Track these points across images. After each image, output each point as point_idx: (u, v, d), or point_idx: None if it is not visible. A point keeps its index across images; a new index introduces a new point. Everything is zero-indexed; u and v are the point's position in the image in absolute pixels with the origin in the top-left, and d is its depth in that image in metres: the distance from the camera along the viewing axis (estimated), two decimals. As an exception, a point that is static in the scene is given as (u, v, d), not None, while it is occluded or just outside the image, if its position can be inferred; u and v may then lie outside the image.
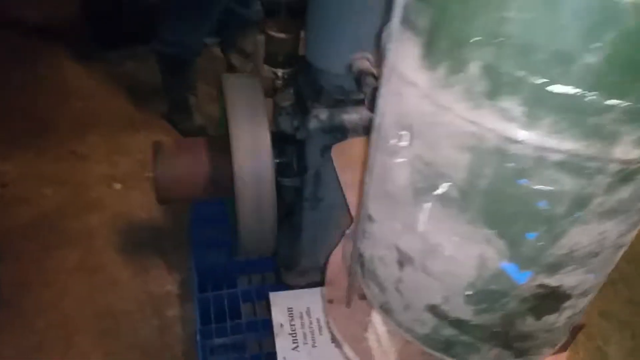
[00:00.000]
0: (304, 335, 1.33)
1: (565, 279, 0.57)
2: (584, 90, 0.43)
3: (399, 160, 0.56)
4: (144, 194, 1.86)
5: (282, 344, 1.30)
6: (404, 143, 0.55)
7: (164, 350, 1.43)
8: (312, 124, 1.24)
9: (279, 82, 1.36)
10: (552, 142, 0.45)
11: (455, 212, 0.54)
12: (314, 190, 1.34)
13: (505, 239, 0.53)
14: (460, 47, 0.45)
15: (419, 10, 0.47)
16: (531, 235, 0.52)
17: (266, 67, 1.34)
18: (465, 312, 0.61)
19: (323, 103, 1.25)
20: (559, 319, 0.63)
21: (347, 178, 1.04)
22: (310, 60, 1.26)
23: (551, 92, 0.43)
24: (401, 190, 0.58)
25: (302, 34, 1.31)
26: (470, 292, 0.59)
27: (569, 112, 0.44)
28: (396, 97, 0.54)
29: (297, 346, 1.31)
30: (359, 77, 1.15)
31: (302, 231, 1.40)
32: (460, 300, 0.60)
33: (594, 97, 0.42)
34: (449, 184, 0.52)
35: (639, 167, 0.47)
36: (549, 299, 0.59)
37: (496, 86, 0.44)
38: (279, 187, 1.27)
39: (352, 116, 1.26)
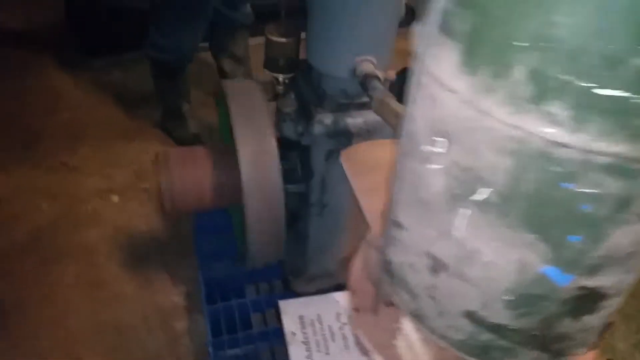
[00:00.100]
0: (317, 342, 1.32)
1: (604, 280, 0.57)
2: (632, 93, 0.42)
3: (433, 166, 0.56)
4: (142, 205, 1.83)
5: (295, 353, 1.29)
6: (439, 149, 0.54)
7: (175, 363, 1.41)
8: (317, 129, 1.23)
9: (280, 88, 1.34)
10: (598, 145, 0.45)
11: (495, 217, 0.53)
12: (319, 196, 1.33)
13: (547, 243, 0.52)
14: (504, 52, 0.44)
15: (459, 16, 0.46)
16: (574, 239, 0.51)
17: (267, 72, 1.32)
18: (504, 317, 0.60)
19: (326, 108, 1.24)
20: (596, 318, 0.63)
21: (360, 184, 1.03)
22: (313, 64, 1.25)
23: (598, 96, 0.43)
24: (435, 196, 0.57)
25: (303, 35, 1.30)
26: (509, 297, 0.58)
27: (616, 115, 0.43)
28: (430, 103, 0.53)
29: (311, 354, 1.29)
30: (364, 81, 1.14)
31: (308, 238, 1.40)
32: (499, 305, 0.59)
33: (640, 99, 0.42)
34: (489, 189, 0.51)
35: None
36: (588, 300, 0.59)
37: (542, 90, 0.44)
38: (283, 194, 1.26)
39: (357, 120, 1.25)
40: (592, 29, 0.40)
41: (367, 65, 1.15)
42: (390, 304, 0.80)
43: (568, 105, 0.43)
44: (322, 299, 1.41)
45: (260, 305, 1.43)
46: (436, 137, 0.53)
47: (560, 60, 0.41)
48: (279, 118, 1.28)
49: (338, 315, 1.38)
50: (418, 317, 0.70)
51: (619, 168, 0.46)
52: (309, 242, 1.40)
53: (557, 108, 0.44)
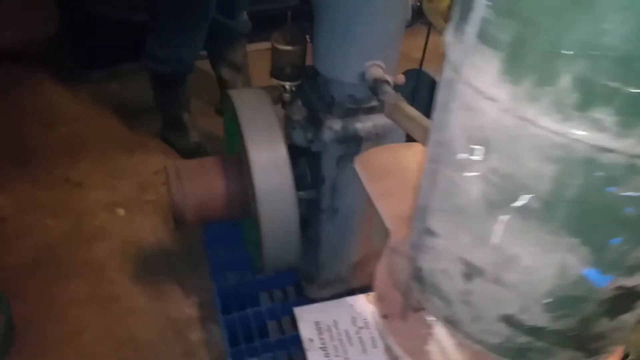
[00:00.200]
0: (335, 348, 1.32)
1: (641, 279, 0.57)
2: (677, 97, 0.43)
3: (471, 174, 0.56)
4: (148, 218, 1.82)
5: (314, 359, 1.29)
6: (476, 157, 0.54)
7: (193, 376, 1.41)
8: (326, 135, 1.23)
9: (287, 95, 1.34)
10: (644, 149, 0.45)
11: (536, 223, 0.53)
12: (331, 202, 1.33)
13: (589, 246, 0.53)
14: (549, 60, 0.44)
15: (499, 25, 0.46)
16: (616, 241, 0.52)
17: (275, 80, 1.32)
18: (542, 320, 0.61)
19: (335, 114, 1.24)
20: (631, 316, 0.63)
21: (376, 189, 1.03)
22: (320, 70, 1.25)
23: (645, 101, 0.43)
24: (472, 203, 0.58)
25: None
26: (548, 300, 0.58)
27: (660, 119, 0.44)
28: (468, 112, 0.53)
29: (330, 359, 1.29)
30: (374, 86, 1.15)
31: (320, 244, 1.39)
32: (537, 308, 0.60)
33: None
34: (530, 195, 0.52)
35: None
36: (625, 299, 0.60)
37: (588, 97, 0.44)
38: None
39: (366, 124, 1.25)
40: (641, 35, 0.41)
41: (376, 70, 1.15)
42: (418, 309, 0.81)
43: (614, 111, 0.44)
44: (337, 304, 1.41)
45: (275, 312, 1.43)
46: (474, 145, 0.54)
47: (609, 67, 0.41)
48: (288, 125, 1.27)
49: (354, 320, 1.38)
50: (452, 323, 0.70)
51: (662, 170, 0.47)
52: (321, 248, 1.40)
53: (603, 114, 0.44)
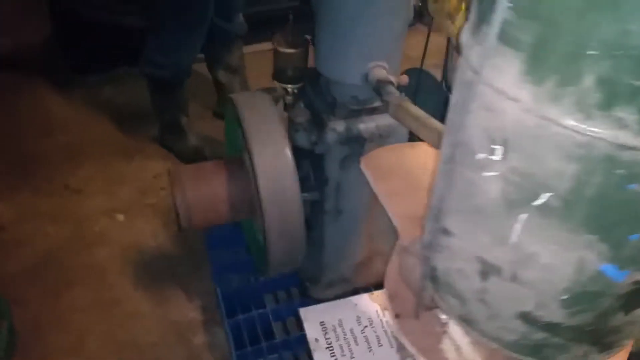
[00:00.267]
0: (341, 347, 1.32)
1: (656, 273, 0.58)
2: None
3: (490, 173, 0.56)
4: (148, 222, 1.82)
5: (320, 359, 1.29)
6: (496, 157, 0.55)
7: (198, 379, 1.41)
8: (330, 137, 1.24)
9: (289, 98, 1.35)
10: (664, 146, 0.46)
11: (556, 221, 0.54)
12: (335, 203, 1.33)
13: (608, 243, 0.54)
14: (572, 61, 0.45)
15: (521, 26, 0.47)
16: (635, 237, 0.53)
17: (277, 83, 1.32)
18: (559, 316, 0.61)
19: (338, 115, 1.25)
20: (645, 311, 0.64)
21: (383, 189, 1.04)
22: (322, 72, 1.25)
23: (666, 99, 0.44)
24: (491, 203, 0.58)
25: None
26: (565, 296, 0.59)
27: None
28: (488, 113, 0.54)
29: (336, 359, 1.30)
30: (378, 87, 1.15)
31: (324, 244, 1.40)
32: (554, 305, 0.60)
33: None
34: (550, 194, 0.52)
35: None
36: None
37: (611, 96, 0.45)
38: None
39: (369, 125, 1.26)
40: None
41: (380, 71, 1.16)
42: (430, 308, 0.81)
43: (637, 109, 0.44)
44: (342, 304, 1.42)
45: (280, 314, 1.43)
46: (494, 145, 0.54)
47: (633, 66, 0.42)
48: (291, 128, 1.28)
49: (358, 319, 1.39)
50: (467, 321, 0.71)
51: (680, 167, 0.48)
52: (325, 248, 1.41)
53: (625, 113, 0.45)
